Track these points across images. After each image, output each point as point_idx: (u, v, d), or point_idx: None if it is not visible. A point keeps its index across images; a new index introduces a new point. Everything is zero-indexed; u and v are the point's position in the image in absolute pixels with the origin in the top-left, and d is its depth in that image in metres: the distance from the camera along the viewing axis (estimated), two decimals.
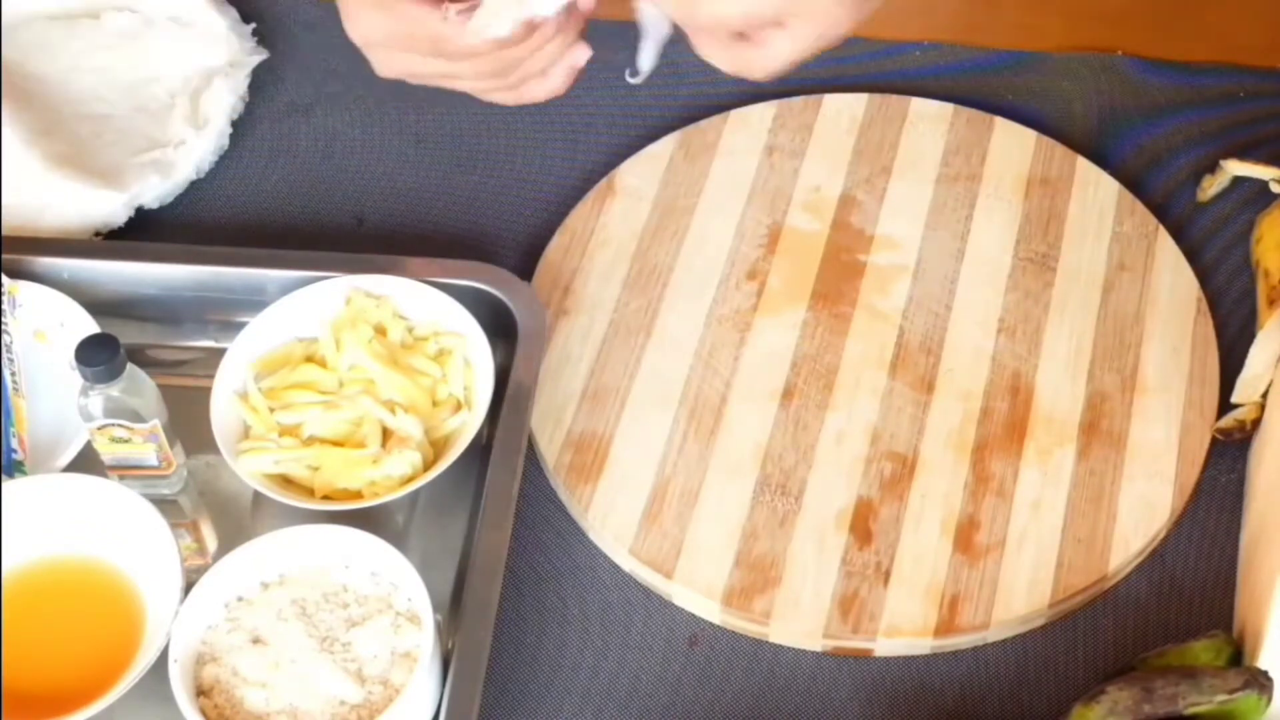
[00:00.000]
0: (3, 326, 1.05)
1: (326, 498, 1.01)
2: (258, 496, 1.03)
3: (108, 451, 1.01)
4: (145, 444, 1.01)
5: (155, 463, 1.02)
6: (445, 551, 1.01)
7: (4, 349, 1.04)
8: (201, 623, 0.95)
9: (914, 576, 0.99)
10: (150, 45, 1.24)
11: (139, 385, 0.99)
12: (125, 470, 1.02)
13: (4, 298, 1.06)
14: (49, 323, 1.07)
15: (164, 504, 1.02)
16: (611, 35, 1.28)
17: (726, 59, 0.91)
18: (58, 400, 1.05)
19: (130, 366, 0.99)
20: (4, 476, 1.01)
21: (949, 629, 0.97)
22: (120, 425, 0.99)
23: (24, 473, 1.02)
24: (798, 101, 1.20)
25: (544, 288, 1.12)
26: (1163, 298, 1.10)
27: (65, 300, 1.07)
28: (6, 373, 1.04)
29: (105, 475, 1.02)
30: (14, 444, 1.02)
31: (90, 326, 1.05)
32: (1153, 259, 1.12)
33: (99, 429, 1.00)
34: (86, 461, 1.03)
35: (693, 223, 1.15)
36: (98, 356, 0.98)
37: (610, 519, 1.02)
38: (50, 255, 1.10)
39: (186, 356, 1.10)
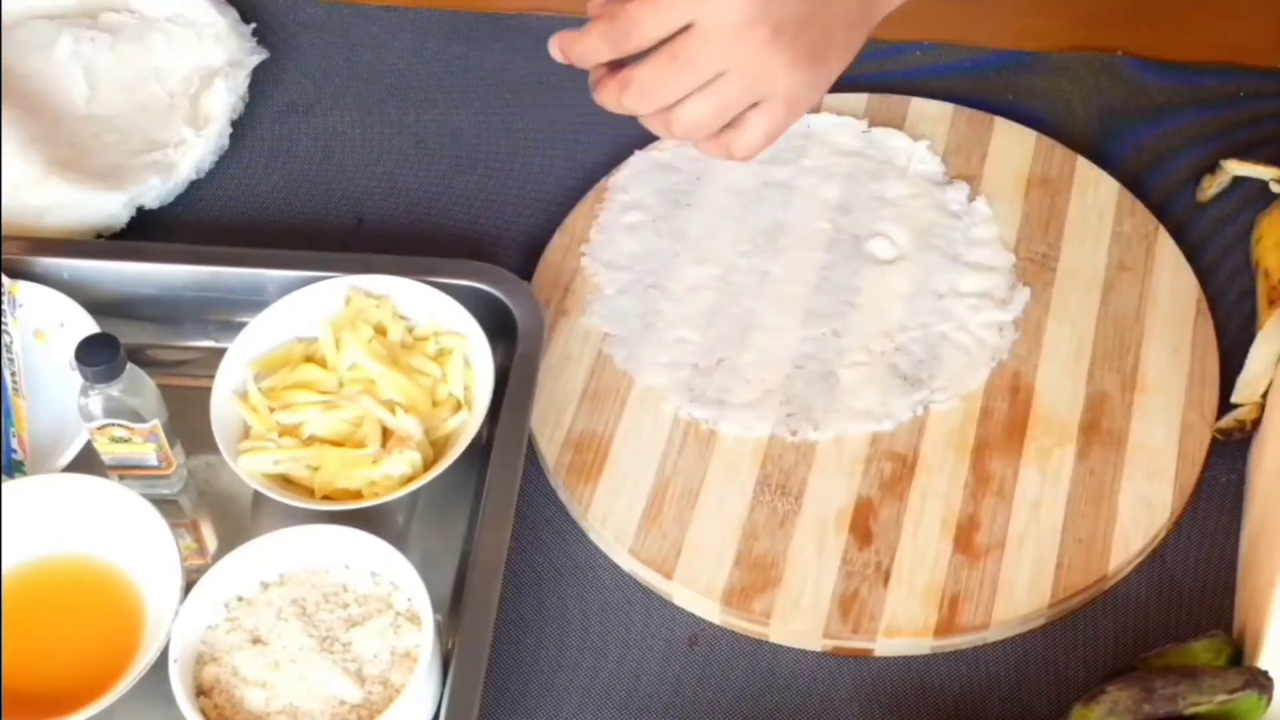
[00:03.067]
0: (3, 326, 1.05)
1: (326, 498, 1.01)
2: (258, 496, 1.03)
3: (108, 451, 1.01)
4: (145, 444, 1.01)
5: (155, 463, 1.02)
6: (445, 551, 1.01)
7: (4, 349, 1.04)
8: (201, 623, 0.95)
9: (914, 576, 0.99)
10: (150, 45, 1.24)
11: (139, 385, 0.99)
12: (125, 470, 1.02)
13: (4, 298, 1.06)
14: (49, 323, 1.07)
15: (164, 504, 1.02)
16: None
17: (713, 146, 1.00)
18: (58, 400, 1.05)
19: (130, 366, 0.99)
20: (4, 476, 1.01)
21: (949, 629, 0.97)
22: (120, 425, 0.99)
23: (24, 473, 1.02)
24: None
25: (544, 288, 1.12)
26: (1163, 298, 1.10)
27: (65, 300, 1.07)
28: (6, 373, 1.04)
29: (105, 475, 1.02)
30: (14, 444, 1.02)
31: (90, 326, 1.05)
32: (1153, 259, 1.12)
33: (99, 429, 1.00)
34: (87, 462, 1.02)
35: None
36: (98, 356, 0.98)
37: (610, 519, 1.02)
38: (50, 255, 1.10)
39: (186, 356, 1.10)
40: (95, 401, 0.99)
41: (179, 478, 1.04)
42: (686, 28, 0.96)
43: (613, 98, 0.99)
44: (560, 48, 1.00)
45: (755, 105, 0.98)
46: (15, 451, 1.02)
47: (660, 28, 0.96)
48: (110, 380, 0.98)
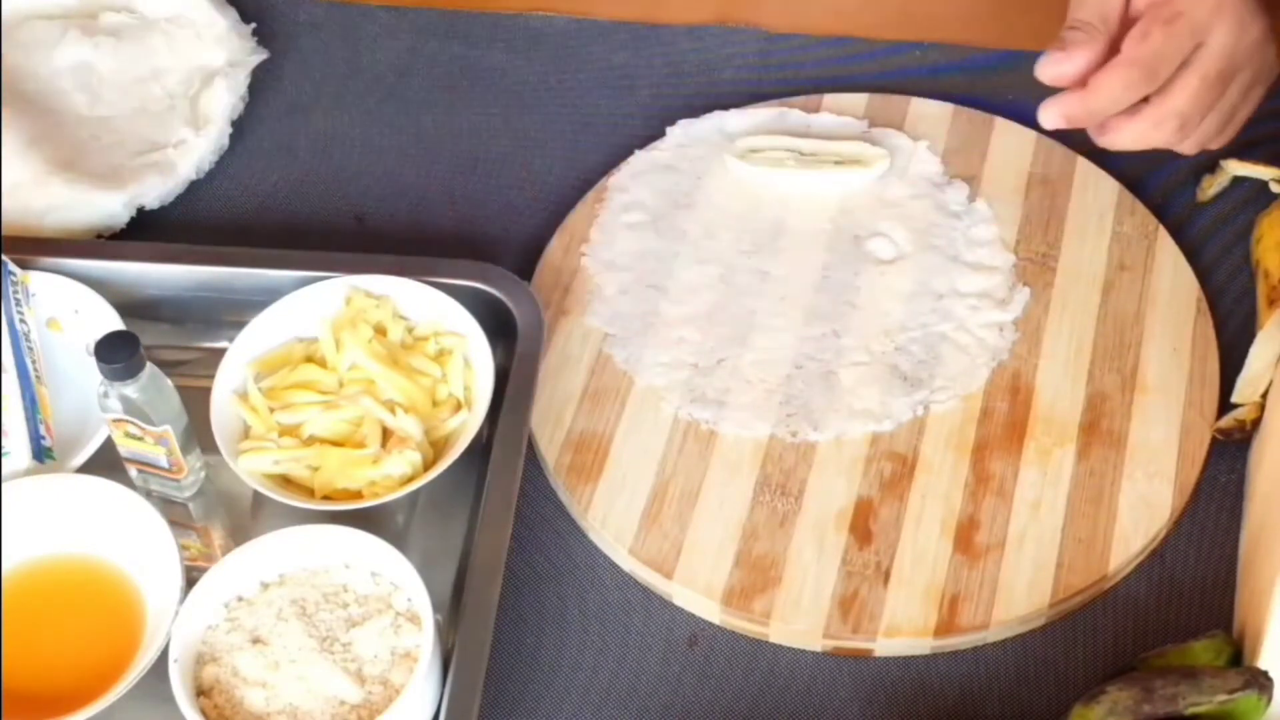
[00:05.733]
0: (21, 317, 1.05)
1: (326, 498, 1.01)
2: (258, 496, 1.03)
3: (123, 445, 1.02)
4: (156, 446, 1.01)
5: (166, 465, 1.02)
6: (445, 551, 1.01)
7: (23, 338, 1.04)
8: (201, 623, 0.95)
9: (914, 576, 0.99)
10: (150, 45, 1.24)
11: (157, 388, 0.99)
12: (140, 465, 1.03)
13: (17, 288, 1.06)
14: (62, 310, 1.07)
15: (169, 504, 1.02)
16: (612, 35, 1.29)
17: (1195, 147, 1.04)
18: (79, 387, 1.05)
19: (151, 368, 0.98)
20: (36, 462, 1.01)
21: (949, 629, 0.97)
22: (134, 423, 0.99)
23: (53, 458, 1.02)
24: (798, 101, 1.20)
25: (544, 288, 1.12)
26: (1163, 298, 1.10)
27: (78, 287, 1.07)
28: (28, 361, 1.04)
29: (123, 467, 1.02)
30: (42, 430, 1.02)
31: (105, 311, 1.05)
32: (1153, 259, 1.12)
33: (114, 421, 1.00)
34: (113, 449, 1.02)
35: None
36: (116, 355, 0.97)
37: (610, 519, 1.02)
38: (51, 255, 1.10)
39: (186, 356, 1.10)
40: (113, 396, 0.99)
41: (193, 483, 1.04)
42: (1197, 48, 0.99)
43: (1141, 136, 1.01)
44: (1063, 113, 1.01)
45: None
46: (44, 438, 1.02)
47: (1182, 54, 0.99)
48: (126, 379, 0.98)
